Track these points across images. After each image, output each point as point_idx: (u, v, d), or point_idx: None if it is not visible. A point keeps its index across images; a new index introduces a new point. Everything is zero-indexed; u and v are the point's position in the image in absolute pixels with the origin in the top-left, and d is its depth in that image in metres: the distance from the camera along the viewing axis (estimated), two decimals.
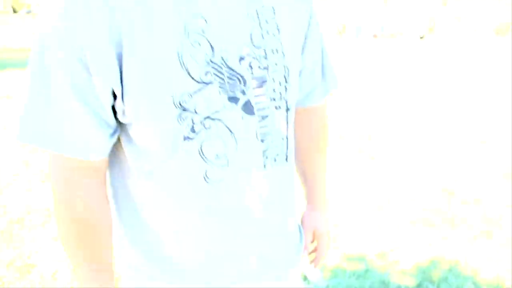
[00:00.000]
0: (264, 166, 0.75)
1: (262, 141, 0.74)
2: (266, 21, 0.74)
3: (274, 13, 0.75)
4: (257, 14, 0.72)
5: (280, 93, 0.76)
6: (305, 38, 0.83)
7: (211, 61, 0.67)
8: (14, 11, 59.20)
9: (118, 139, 0.71)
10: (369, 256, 2.41)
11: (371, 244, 2.53)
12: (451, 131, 4.83)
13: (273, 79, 0.74)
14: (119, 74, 0.62)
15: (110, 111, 0.66)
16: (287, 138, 0.79)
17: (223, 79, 0.68)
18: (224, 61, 0.68)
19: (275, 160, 0.76)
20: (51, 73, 0.62)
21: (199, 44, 0.65)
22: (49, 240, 2.47)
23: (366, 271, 2.30)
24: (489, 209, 3.05)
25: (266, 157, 0.75)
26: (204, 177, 0.70)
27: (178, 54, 0.64)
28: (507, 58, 9.71)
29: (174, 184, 0.70)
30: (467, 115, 5.71)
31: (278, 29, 0.75)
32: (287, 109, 0.77)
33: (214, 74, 0.67)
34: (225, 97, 0.68)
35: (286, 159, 0.79)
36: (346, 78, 8.50)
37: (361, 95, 6.93)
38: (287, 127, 0.79)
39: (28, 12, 63.49)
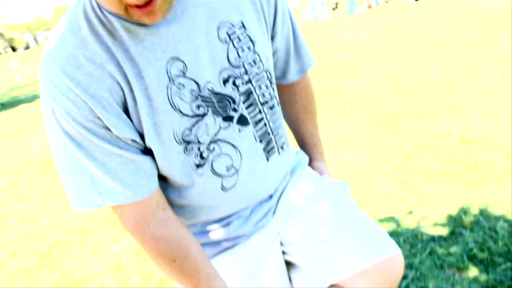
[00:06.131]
0: (267, 159, 0.92)
1: (260, 141, 0.90)
2: (239, 39, 0.84)
3: (245, 27, 0.85)
4: (229, 35, 0.82)
5: (270, 94, 0.90)
6: (274, 26, 0.94)
7: (199, 95, 0.79)
8: (14, 50, 60.66)
9: None
10: (399, 215, 2.48)
11: (399, 204, 2.60)
12: (454, 87, 4.69)
13: (259, 86, 0.87)
14: (132, 126, 0.76)
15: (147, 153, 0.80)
16: (282, 127, 0.95)
17: (214, 106, 0.81)
18: (211, 91, 0.80)
19: (274, 152, 0.94)
20: (85, 142, 0.75)
21: (184, 86, 0.78)
22: (90, 257, 2.62)
23: (398, 228, 2.36)
24: (510, 150, 3.03)
25: (268, 152, 0.92)
26: (221, 188, 0.88)
27: (169, 98, 0.77)
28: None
29: (200, 200, 0.88)
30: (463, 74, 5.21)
31: (252, 41, 0.85)
32: (278, 104, 0.94)
33: (206, 105, 0.80)
34: (220, 120, 0.82)
35: (282, 147, 0.96)
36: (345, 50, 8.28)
37: (365, 66, 6.60)
38: (279, 117, 0.95)
39: (27, 48, 64.95)
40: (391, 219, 2.50)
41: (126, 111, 0.77)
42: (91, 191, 0.79)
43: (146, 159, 0.81)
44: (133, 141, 0.79)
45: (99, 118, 0.74)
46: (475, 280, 1.98)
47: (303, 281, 1.01)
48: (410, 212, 2.54)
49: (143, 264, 2.45)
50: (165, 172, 0.84)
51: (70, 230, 3.09)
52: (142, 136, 0.80)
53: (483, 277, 1.99)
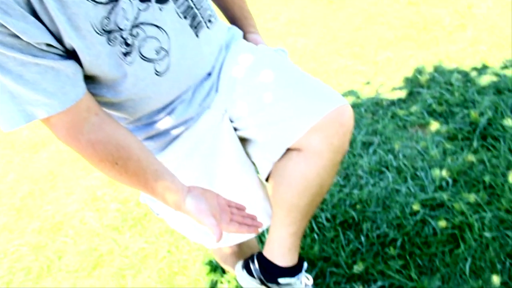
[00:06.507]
0: (197, 35, 0.89)
1: (185, 17, 0.86)
2: None
3: None
4: None
5: None
6: None
7: None
8: None
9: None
10: (357, 87, 2.52)
11: (355, 77, 2.63)
12: None
13: None
14: (44, 28, 0.70)
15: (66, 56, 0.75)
16: (205, 0, 0.92)
17: None
18: None
19: (202, 26, 0.90)
20: None
21: None
22: (65, 198, 2.57)
23: (358, 99, 2.40)
24: (456, 4, 3.06)
25: (195, 28, 0.89)
26: (156, 73, 0.85)
27: None
28: None
29: (137, 91, 0.85)
30: None
31: None
32: None
33: None
34: (137, 2, 0.77)
35: (210, 20, 0.93)
36: None
37: None
38: None
39: None
40: (350, 92, 2.53)
41: (33, 13, 0.69)
42: (15, 109, 0.74)
43: (67, 64, 0.75)
44: (49, 45, 0.72)
45: (2, 25, 0.67)
46: (437, 132, 2.09)
47: (260, 152, 1.02)
48: (368, 82, 2.57)
49: (118, 190, 2.46)
50: (93, 69, 0.79)
51: (39, 177, 3.03)
52: (58, 39, 0.74)
53: (444, 128, 2.10)
